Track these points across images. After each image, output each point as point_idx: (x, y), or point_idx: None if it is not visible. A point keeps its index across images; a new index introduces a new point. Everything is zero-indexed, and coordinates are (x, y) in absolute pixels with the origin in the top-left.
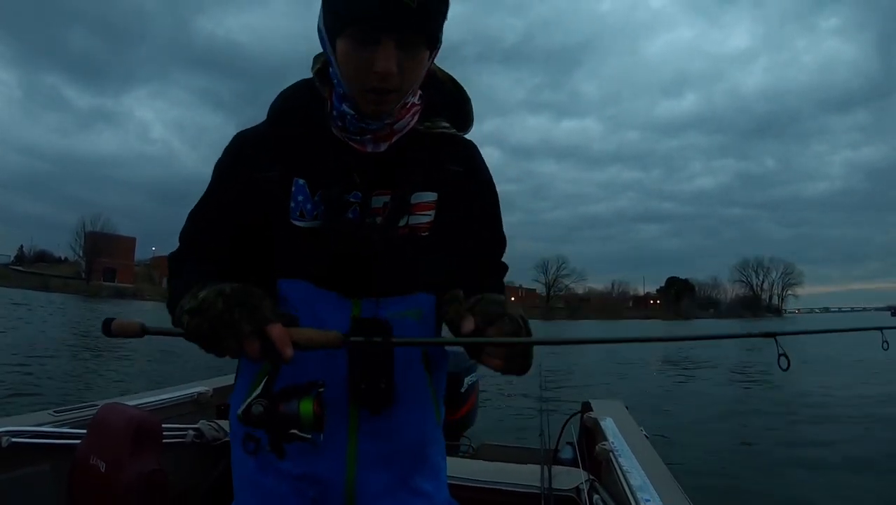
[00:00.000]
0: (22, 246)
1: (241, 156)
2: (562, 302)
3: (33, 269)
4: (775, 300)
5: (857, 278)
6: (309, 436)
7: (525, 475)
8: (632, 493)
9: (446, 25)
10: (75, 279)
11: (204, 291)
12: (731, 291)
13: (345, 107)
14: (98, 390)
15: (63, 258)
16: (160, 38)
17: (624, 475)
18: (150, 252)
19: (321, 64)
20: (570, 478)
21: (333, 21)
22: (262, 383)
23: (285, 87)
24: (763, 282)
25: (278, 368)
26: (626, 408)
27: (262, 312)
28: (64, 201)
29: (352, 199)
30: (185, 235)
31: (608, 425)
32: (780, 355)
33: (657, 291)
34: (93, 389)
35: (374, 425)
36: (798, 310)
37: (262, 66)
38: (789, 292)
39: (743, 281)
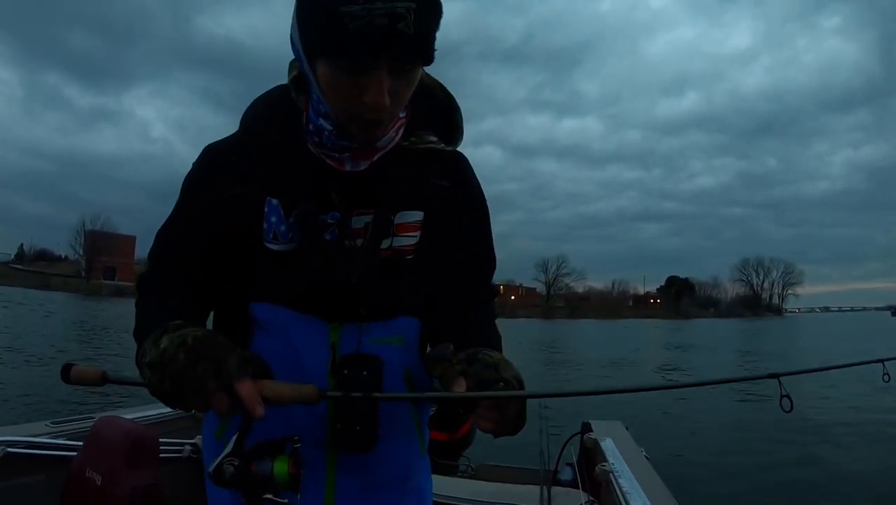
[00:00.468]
0: (22, 244)
1: (211, 170)
2: (562, 301)
3: (33, 267)
4: (775, 299)
5: (858, 278)
6: (285, 501)
7: (525, 496)
8: None
9: (446, 25)
10: (75, 278)
11: (165, 340)
12: (732, 290)
13: (322, 122)
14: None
15: (63, 257)
16: (161, 37)
17: (624, 497)
18: None
19: (297, 71)
20: (570, 499)
21: (313, 43)
22: (233, 441)
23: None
24: (763, 281)
25: (249, 425)
26: (626, 428)
27: (228, 366)
28: (64, 200)
29: (329, 220)
30: (153, 253)
31: (608, 446)
32: (782, 396)
33: (657, 290)
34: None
35: (355, 459)
36: (798, 309)
37: (263, 66)
38: (790, 292)
39: (743, 280)
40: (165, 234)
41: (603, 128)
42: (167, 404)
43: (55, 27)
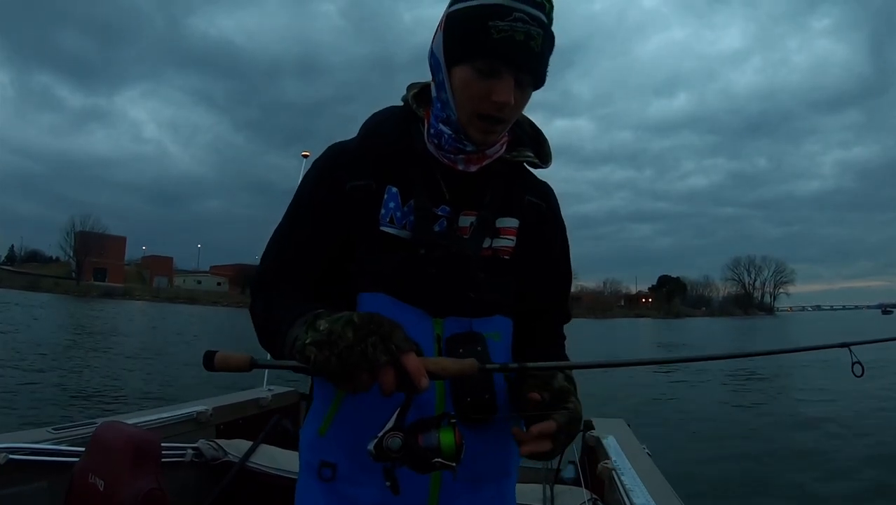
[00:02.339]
0: (13, 246)
1: (336, 164)
2: None
3: (24, 269)
4: (767, 298)
5: (849, 277)
6: (454, 464)
7: (527, 494)
8: None
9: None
10: (66, 279)
11: (324, 323)
12: (724, 289)
13: (442, 126)
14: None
15: (55, 258)
16: (153, 37)
17: (627, 494)
18: (141, 251)
19: (418, 89)
20: (573, 497)
21: (459, 50)
22: (395, 417)
23: (280, 84)
24: (755, 280)
25: (411, 399)
26: (629, 425)
27: (395, 340)
28: (56, 201)
29: (440, 213)
30: (273, 256)
31: (610, 443)
32: (853, 363)
33: (649, 289)
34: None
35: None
36: (790, 308)
37: (255, 66)
38: (781, 290)
39: (735, 279)
40: (288, 233)
41: (595, 128)
42: (331, 381)
43: (47, 28)
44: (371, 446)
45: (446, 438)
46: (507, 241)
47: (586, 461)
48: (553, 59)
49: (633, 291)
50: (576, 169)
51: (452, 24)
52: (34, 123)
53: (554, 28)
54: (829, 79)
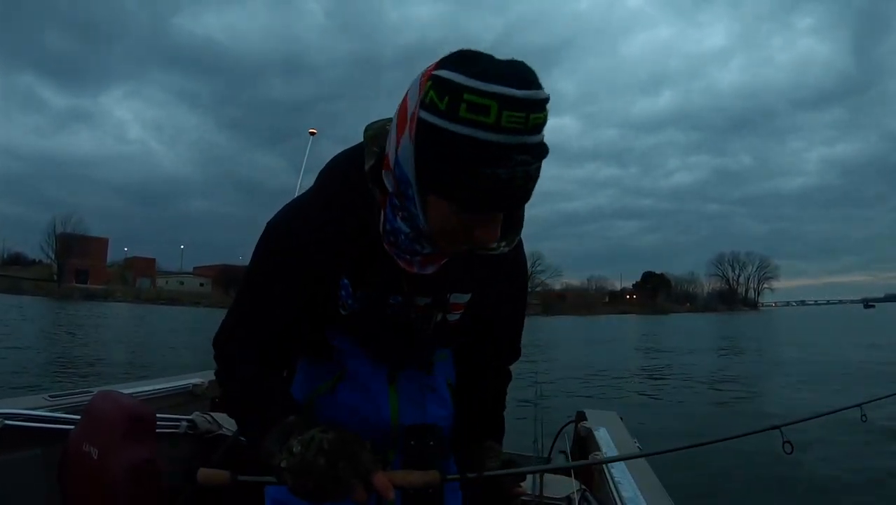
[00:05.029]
0: None
1: (292, 250)
2: (537, 298)
3: (6, 272)
4: (751, 294)
5: (833, 272)
6: None
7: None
8: (622, 503)
9: (426, 27)
10: (47, 281)
11: (296, 445)
12: (708, 285)
13: (399, 223)
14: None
15: (38, 261)
16: (138, 36)
17: (615, 486)
18: (123, 253)
19: (375, 160)
20: (562, 487)
21: (438, 187)
22: None
23: (265, 83)
24: (739, 276)
25: None
26: (621, 419)
27: (364, 463)
28: (40, 202)
29: (391, 301)
30: (235, 329)
31: (602, 435)
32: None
33: (633, 286)
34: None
35: None
36: (775, 303)
37: (240, 65)
38: (765, 286)
39: (719, 275)
40: (248, 303)
41: (580, 126)
42: (308, 501)
43: (30, 27)
44: None
45: None
46: (456, 316)
47: (577, 452)
48: (538, 59)
49: (618, 287)
50: (561, 167)
51: (428, 148)
52: (17, 124)
53: (540, 28)
54: (813, 77)
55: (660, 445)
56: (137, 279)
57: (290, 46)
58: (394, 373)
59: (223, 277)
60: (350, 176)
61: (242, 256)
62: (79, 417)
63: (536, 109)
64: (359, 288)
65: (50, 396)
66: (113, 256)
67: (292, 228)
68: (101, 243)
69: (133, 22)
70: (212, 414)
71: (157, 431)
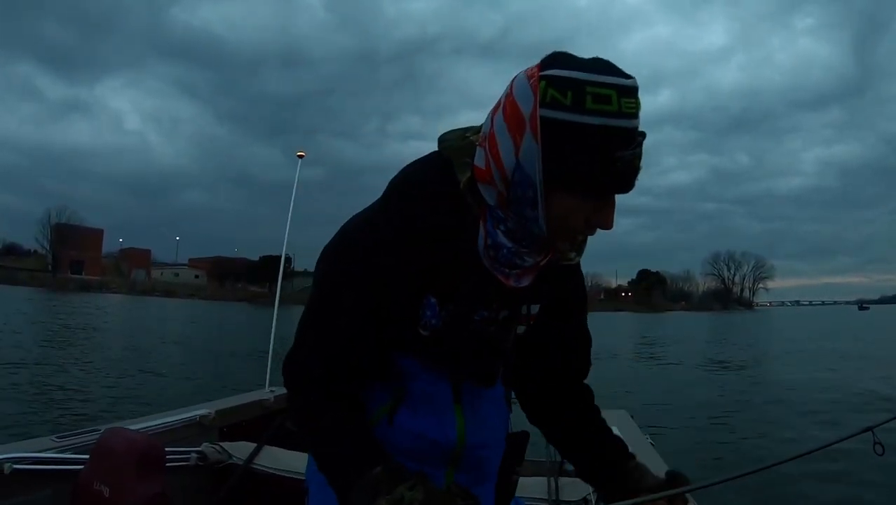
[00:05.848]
0: None
1: (375, 265)
2: None
3: (1, 262)
4: (746, 293)
5: (828, 272)
6: None
7: (533, 488)
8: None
9: (426, 20)
10: (42, 272)
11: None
12: (703, 284)
13: (502, 238)
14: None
15: (33, 251)
16: (135, 27)
17: None
18: (119, 244)
19: (472, 172)
20: (578, 489)
21: (572, 179)
22: None
23: (263, 76)
24: (734, 275)
25: None
26: (632, 417)
27: None
28: (36, 193)
29: (476, 318)
30: (314, 347)
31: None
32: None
33: (629, 283)
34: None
35: None
36: (769, 303)
37: (238, 57)
38: (760, 286)
39: (715, 274)
40: (328, 330)
41: None
42: None
43: (27, 16)
44: None
45: None
46: (524, 328)
47: None
48: (537, 55)
49: (614, 285)
50: None
51: (561, 142)
52: (14, 114)
53: (538, 24)
54: (812, 77)
55: (674, 442)
56: (132, 270)
57: (289, 39)
58: (458, 390)
59: (218, 269)
60: (434, 189)
61: (237, 248)
62: (87, 456)
63: (637, 95)
64: (445, 305)
65: (57, 438)
66: (108, 246)
67: (379, 242)
68: (97, 234)
69: (131, 12)
70: (221, 444)
71: (167, 464)
